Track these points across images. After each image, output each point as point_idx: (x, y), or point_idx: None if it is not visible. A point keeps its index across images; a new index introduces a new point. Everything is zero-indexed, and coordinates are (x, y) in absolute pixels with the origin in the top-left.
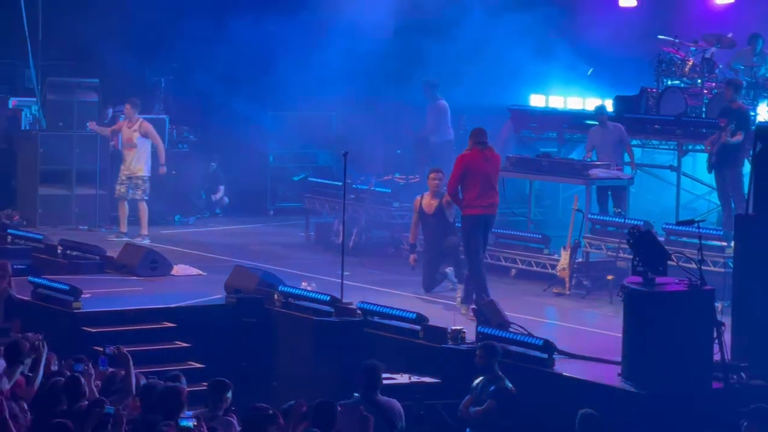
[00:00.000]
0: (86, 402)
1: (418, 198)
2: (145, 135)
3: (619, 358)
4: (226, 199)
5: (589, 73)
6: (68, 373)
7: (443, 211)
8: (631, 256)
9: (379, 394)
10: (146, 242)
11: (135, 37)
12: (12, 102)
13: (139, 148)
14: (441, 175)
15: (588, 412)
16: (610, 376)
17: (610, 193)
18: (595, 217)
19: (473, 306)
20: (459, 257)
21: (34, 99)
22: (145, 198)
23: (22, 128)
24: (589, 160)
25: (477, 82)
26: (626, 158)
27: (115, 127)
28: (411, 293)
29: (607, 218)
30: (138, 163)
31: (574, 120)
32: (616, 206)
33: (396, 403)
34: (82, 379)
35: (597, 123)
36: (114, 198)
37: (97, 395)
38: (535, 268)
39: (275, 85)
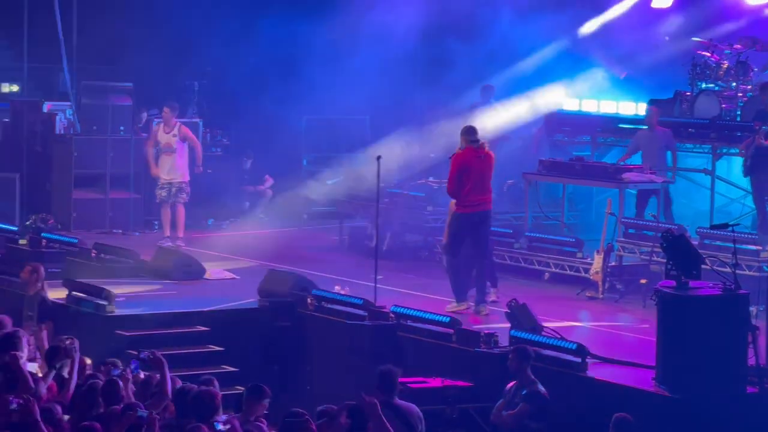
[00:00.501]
0: (121, 406)
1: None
2: (183, 139)
3: (652, 363)
4: (270, 192)
5: (622, 76)
6: (102, 378)
7: None
8: (664, 260)
9: (397, 398)
10: (180, 244)
11: (168, 41)
12: (47, 106)
13: (179, 152)
14: None
15: (622, 416)
16: (644, 380)
17: (654, 197)
18: (629, 220)
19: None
20: (493, 262)
21: (69, 103)
22: (185, 201)
23: (57, 132)
24: (622, 163)
25: (509, 85)
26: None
27: (152, 135)
28: (444, 297)
29: (641, 222)
30: (178, 168)
31: (608, 123)
32: (665, 211)
33: (414, 408)
34: (121, 383)
35: (645, 126)
36: (156, 203)
37: (132, 399)
38: (568, 272)
39: (308, 88)
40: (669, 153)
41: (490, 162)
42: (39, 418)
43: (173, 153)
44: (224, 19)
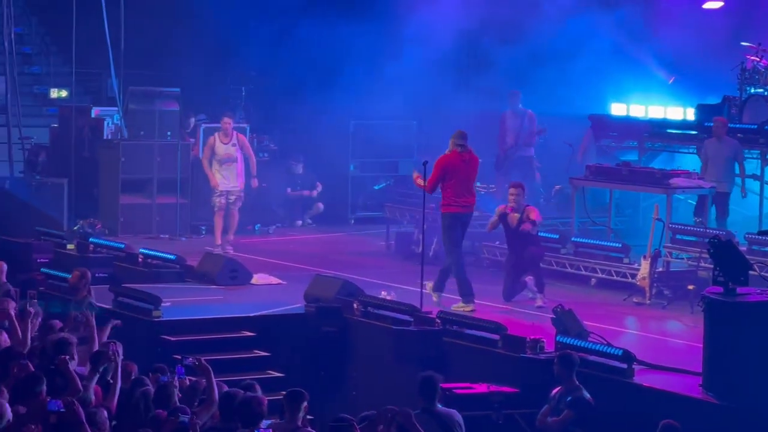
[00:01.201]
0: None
1: (503, 206)
2: (241, 148)
3: (700, 369)
4: (321, 206)
5: (671, 81)
6: (149, 384)
7: (522, 220)
8: (712, 266)
9: (438, 404)
10: (228, 249)
11: (214, 46)
12: (95, 111)
13: (239, 162)
14: (520, 191)
15: (669, 423)
16: (691, 386)
17: (712, 203)
18: (676, 226)
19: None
20: (540, 267)
21: (116, 108)
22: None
23: (105, 137)
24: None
25: (557, 90)
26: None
27: (208, 146)
28: (490, 302)
29: (688, 227)
30: (238, 177)
31: (655, 129)
32: (718, 218)
33: (456, 414)
34: (171, 389)
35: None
36: (208, 208)
37: (178, 404)
38: (615, 278)
39: (354, 92)
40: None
41: (475, 165)
42: (84, 420)
43: (234, 163)
44: (267, 23)
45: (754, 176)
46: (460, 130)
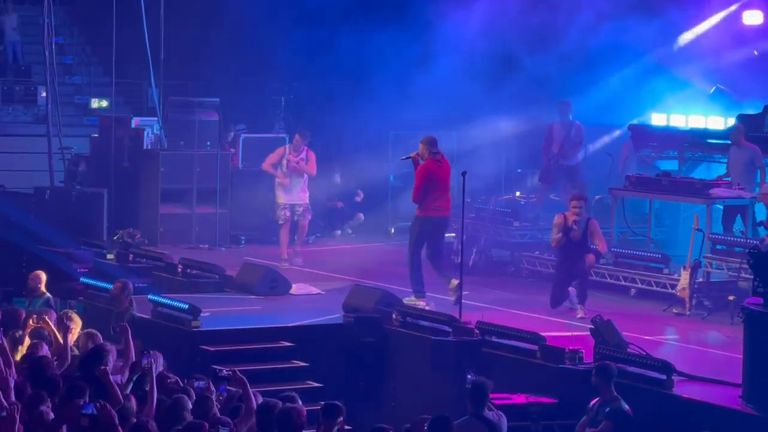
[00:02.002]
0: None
1: (562, 217)
2: (307, 161)
3: (740, 380)
4: (362, 217)
5: (711, 90)
6: (192, 394)
7: (587, 236)
8: (752, 277)
9: (487, 410)
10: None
11: (255, 56)
12: (135, 121)
13: (305, 177)
14: (582, 203)
15: None
16: (731, 398)
17: (740, 214)
18: (716, 236)
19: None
20: (587, 279)
21: (156, 118)
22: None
23: (144, 147)
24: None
25: (597, 99)
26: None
27: (274, 156)
28: (530, 313)
29: (729, 238)
30: (303, 191)
31: (695, 138)
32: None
33: (504, 418)
34: (212, 398)
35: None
36: (276, 223)
37: (218, 414)
38: (654, 288)
39: (393, 101)
40: (755, 168)
41: (449, 169)
42: (117, 423)
43: (301, 177)
44: (305, 33)
45: None
46: (430, 136)
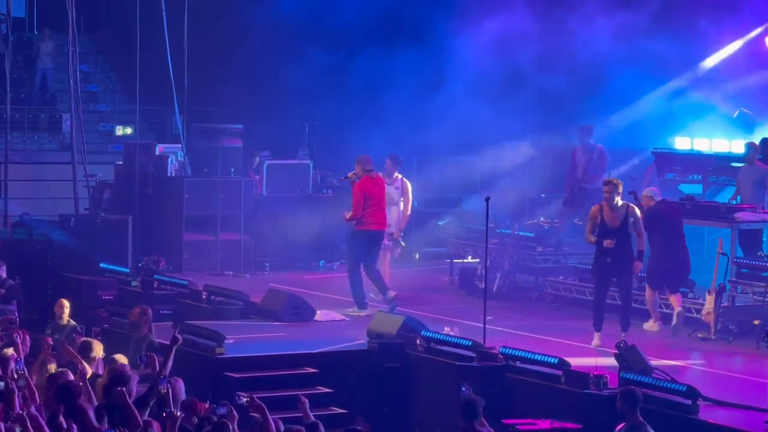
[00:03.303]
0: None
1: (597, 207)
2: (402, 193)
3: (766, 406)
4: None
5: (735, 114)
6: (213, 418)
7: (627, 224)
8: None
9: (479, 426)
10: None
11: (277, 82)
12: (159, 148)
13: (398, 206)
14: (611, 187)
15: None
16: (757, 423)
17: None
18: (741, 260)
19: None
20: (631, 306)
21: (180, 145)
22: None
23: (168, 174)
24: (734, 202)
25: (621, 124)
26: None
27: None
28: (554, 338)
29: (754, 261)
30: (396, 221)
31: (719, 162)
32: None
33: None
34: (230, 425)
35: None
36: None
37: None
38: (663, 310)
39: (416, 127)
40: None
41: (383, 186)
42: None
43: (394, 206)
44: (327, 57)
45: None
46: (364, 155)
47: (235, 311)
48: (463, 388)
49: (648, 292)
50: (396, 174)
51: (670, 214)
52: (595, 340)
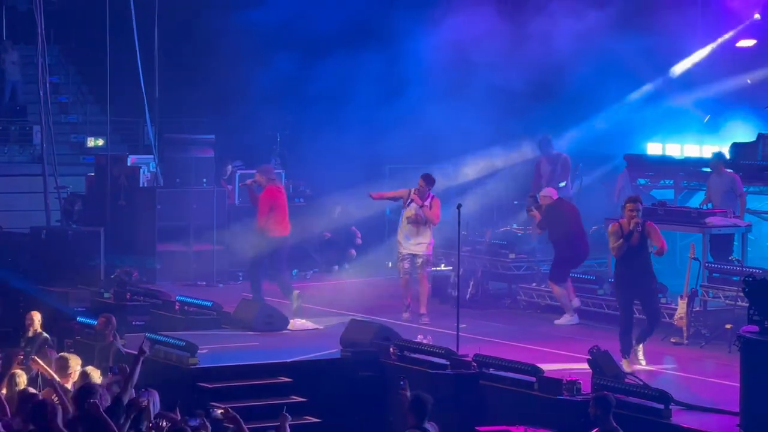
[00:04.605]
0: None
1: (617, 225)
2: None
3: (738, 409)
4: (354, 253)
5: (705, 120)
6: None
7: (645, 239)
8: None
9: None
10: (425, 320)
11: (248, 92)
12: (131, 159)
13: (428, 225)
14: (639, 204)
15: None
16: (729, 427)
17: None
18: (713, 264)
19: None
20: (658, 315)
21: (152, 156)
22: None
23: (141, 185)
24: (705, 207)
25: (591, 130)
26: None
27: (399, 194)
28: (527, 345)
29: (725, 266)
30: (424, 240)
31: (691, 167)
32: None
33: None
34: None
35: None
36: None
37: None
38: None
39: (388, 135)
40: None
41: (285, 194)
42: None
43: (424, 225)
44: (299, 65)
45: None
46: (266, 165)
47: (208, 321)
48: (402, 383)
49: (554, 287)
50: (429, 194)
51: (567, 211)
52: (626, 365)
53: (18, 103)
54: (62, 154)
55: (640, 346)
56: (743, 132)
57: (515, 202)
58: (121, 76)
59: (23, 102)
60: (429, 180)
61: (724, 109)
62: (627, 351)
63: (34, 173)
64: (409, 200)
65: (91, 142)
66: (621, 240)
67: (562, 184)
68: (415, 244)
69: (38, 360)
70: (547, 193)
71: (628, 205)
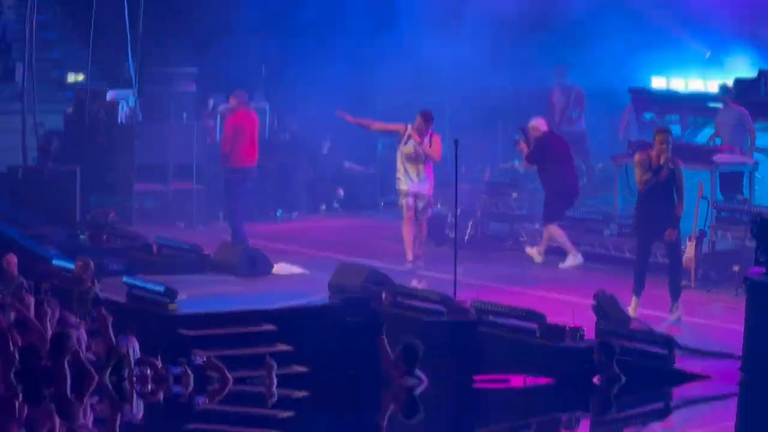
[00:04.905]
0: None
1: (645, 154)
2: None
3: (740, 353)
4: (342, 192)
5: (707, 55)
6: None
7: (674, 176)
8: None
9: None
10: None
11: (233, 24)
12: (110, 94)
13: (428, 163)
14: (669, 136)
15: None
16: (731, 371)
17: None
18: (720, 204)
19: None
20: (680, 264)
21: (131, 90)
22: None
23: (119, 122)
24: (712, 143)
25: (596, 64)
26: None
27: (396, 128)
28: (529, 290)
29: (734, 205)
30: (427, 180)
31: (697, 102)
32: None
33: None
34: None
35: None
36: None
37: None
38: (660, 260)
39: (384, 70)
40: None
41: (257, 120)
42: None
43: (422, 164)
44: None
45: None
46: (241, 90)
47: (189, 265)
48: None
49: (549, 228)
50: (428, 131)
51: (557, 144)
52: (633, 307)
53: (6, 42)
54: (43, 90)
55: (678, 300)
56: (746, 67)
57: (516, 137)
58: (107, 12)
59: (10, 40)
60: (428, 118)
61: (724, 44)
62: (639, 291)
63: (14, 111)
64: (406, 137)
65: (71, 78)
66: (649, 173)
67: (576, 115)
68: (418, 182)
69: (19, 306)
70: (537, 124)
71: (658, 136)
